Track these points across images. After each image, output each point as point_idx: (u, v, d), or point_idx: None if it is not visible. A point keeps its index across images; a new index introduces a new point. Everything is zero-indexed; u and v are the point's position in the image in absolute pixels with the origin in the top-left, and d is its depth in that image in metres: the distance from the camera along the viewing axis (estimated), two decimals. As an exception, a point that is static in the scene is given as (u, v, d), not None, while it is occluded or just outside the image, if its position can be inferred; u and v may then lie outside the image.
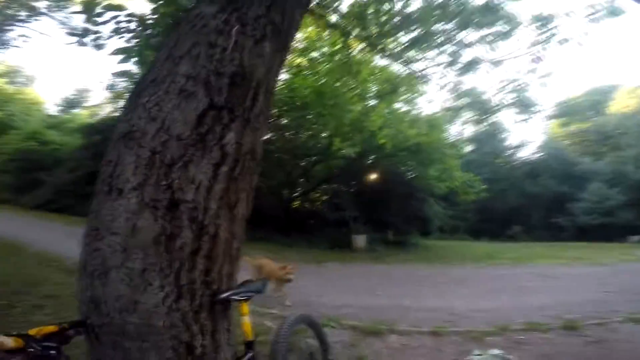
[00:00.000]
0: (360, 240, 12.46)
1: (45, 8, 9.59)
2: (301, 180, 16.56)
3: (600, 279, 7.58)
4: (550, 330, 3.80)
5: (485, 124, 3.52)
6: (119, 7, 2.64)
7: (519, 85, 3.43)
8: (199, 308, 1.52)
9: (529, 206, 27.06)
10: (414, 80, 3.82)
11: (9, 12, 10.12)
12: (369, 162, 14.06)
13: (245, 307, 1.72)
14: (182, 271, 1.46)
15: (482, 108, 3.35)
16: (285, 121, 14.37)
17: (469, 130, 26.93)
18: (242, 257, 4.72)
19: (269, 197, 16.17)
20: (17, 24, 11.34)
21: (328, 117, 4.36)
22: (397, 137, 4.43)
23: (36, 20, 10.71)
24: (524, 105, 3.50)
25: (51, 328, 1.24)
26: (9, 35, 11.40)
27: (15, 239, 7.75)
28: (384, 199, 13.89)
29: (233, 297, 1.61)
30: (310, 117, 10.29)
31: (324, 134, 9.82)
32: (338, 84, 3.84)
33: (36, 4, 9.09)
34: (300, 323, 2.34)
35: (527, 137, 50.35)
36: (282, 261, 8.78)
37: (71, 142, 18.77)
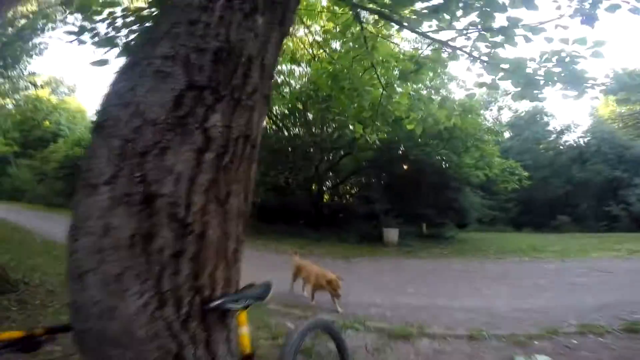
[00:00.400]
0: (391, 234, 12.05)
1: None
2: (330, 174, 16.41)
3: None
4: (608, 333, 3.30)
5: (528, 99, 3.04)
6: (114, 3, 2.54)
7: (566, 55, 2.92)
8: (187, 316, 1.33)
9: (577, 194, 25.04)
10: (441, 56, 3.42)
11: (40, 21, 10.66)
12: (399, 152, 13.56)
13: (243, 316, 1.51)
14: (164, 276, 1.28)
15: (523, 81, 2.87)
16: (311, 116, 14.27)
17: (507, 115, 25.47)
18: (292, 254, 4.49)
19: (298, 192, 16.22)
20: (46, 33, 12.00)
21: (345, 102, 4.06)
22: (426, 121, 4.05)
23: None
24: (573, 80, 2.97)
25: (15, 334, 1.16)
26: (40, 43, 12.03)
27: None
28: (416, 190, 13.39)
29: (227, 305, 1.41)
30: (334, 108, 10.01)
31: (350, 126, 9.47)
32: (353, 63, 3.52)
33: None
34: (314, 329, 2.13)
35: (573, 120, 46.88)
36: (310, 257, 8.75)
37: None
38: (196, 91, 1.36)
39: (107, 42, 2.59)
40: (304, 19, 6.10)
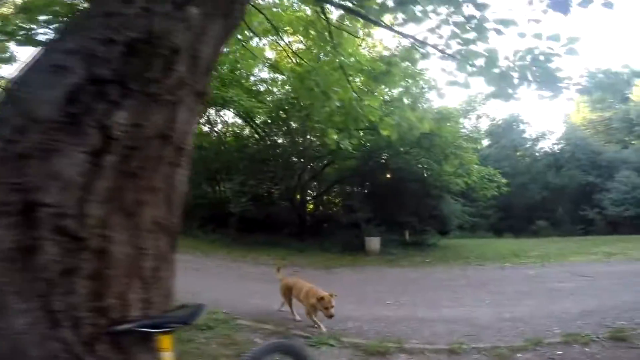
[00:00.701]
0: (373, 242, 11.85)
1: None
2: (313, 183, 16.21)
3: (641, 276, 6.77)
4: (593, 342, 3.15)
5: (502, 99, 2.95)
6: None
7: (540, 53, 2.82)
8: (91, 338, 1.10)
9: (554, 199, 25.76)
10: (412, 54, 3.28)
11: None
12: (381, 161, 13.50)
13: (166, 342, 1.26)
14: (53, 294, 1.05)
15: (496, 78, 2.75)
16: (294, 124, 14.09)
17: (486, 123, 26.10)
18: (275, 272, 4.05)
19: (281, 202, 15.91)
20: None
21: (315, 105, 3.85)
22: (400, 126, 3.89)
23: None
24: (548, 79, 2.87)
25: None
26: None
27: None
28: (398, 198, 13.32)
29: (140, 328, 1.17)
30: (314, 116, 9.87)
31: (333, 135, 9.34)
32: (321, 63, 3.34)
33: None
34: (272, 353, 1.87)
35: (548, 128, 48.75)
36: (291, 268, 8.46)
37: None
38: (97, 86, 1.13)
39: (27, 40, 2.33)
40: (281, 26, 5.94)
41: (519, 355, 2.98)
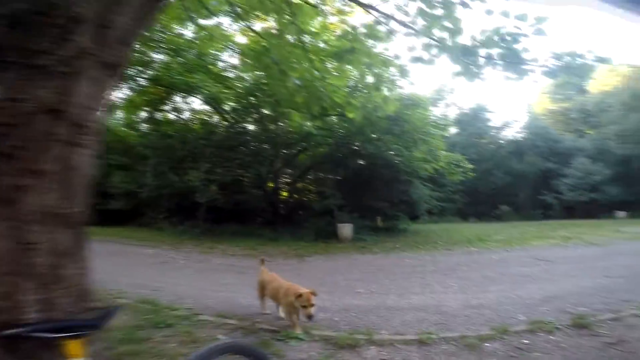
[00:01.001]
0: (346, 229, 11.86)
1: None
2: (286, 170, 15.89)
3: (597, 261, 7.17)
4: (557, 330, 3.22)
5: (467, 78, 2.89)
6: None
7: (507, 33, 2.75)
8: None
9: (515, 185, 27.18)
10: (376, 31, 3.10)
11: None
12: (352, 147, 13.42)
13: (75, 348, 1.06)
14: None
15: (461, 55, 2.66)
16: (266, 111, 13.62)
17: (454, 112, 26.82)
18: (259, 264, 3.66)
19: (254, 190, 15.48)
20: None
21: (274, 85, 3.60)
22: (365, 108, 3.75)
23: None
24: (514, 59, 2.82)
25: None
26: None
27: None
28: (370, 184, 13.39)
29: (33, 333, 1.01)
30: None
31: (296, 117, 8.87)
32: (279, 40, 3.07)
33: None
34: (219, 355, 1.68)
35: (511, 117, 51.33)
36: (262, 256, 8.24)
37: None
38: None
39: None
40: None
41: (486, 344, 2.99)
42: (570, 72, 3.18)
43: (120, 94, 11.84)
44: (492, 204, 26.61)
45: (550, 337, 3.08)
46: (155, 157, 13.72)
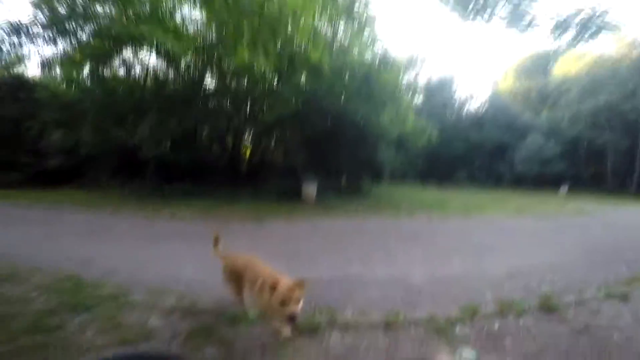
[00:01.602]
0: (310, 189, 11.57)
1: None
2: (248, 128, 14.88)
3: (552, 235, 7.46)
4: (526, 313, 3.08)
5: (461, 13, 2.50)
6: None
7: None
8: None
9: (473, 154, 28.53)
10: None
11: None
12: (319, 106, 12.70)
13: None
14: None
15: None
16: (226, 65, 12.23)
17: (422, 80, 26.89)
18: (213, 244, 2.82)
19: (213, 147, 14.41)
20: None
21: (223, 13, 2.88)
22: (331, 51, 3.19)
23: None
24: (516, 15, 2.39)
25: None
26: None
27: None
28: (336, 145, 13.08)
29: None
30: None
31: (244, 52, 7.60)
32: None
33: None
34: None
35: (475, 91, 53.35)
36: (213, 221, 7.60)
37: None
38: None
39: None
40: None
41: (457, 329, 2.77)
42: (579, 29, 2.80)
43: (57, 49, 10.01)
44: (450, 170, 27.86)
45: (520, 321, 2.93)
46: (97, 111, 12.11)
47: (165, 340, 2.50)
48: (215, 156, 14.07)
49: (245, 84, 12.36)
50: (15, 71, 14.00)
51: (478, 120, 29.61)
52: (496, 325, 2.83)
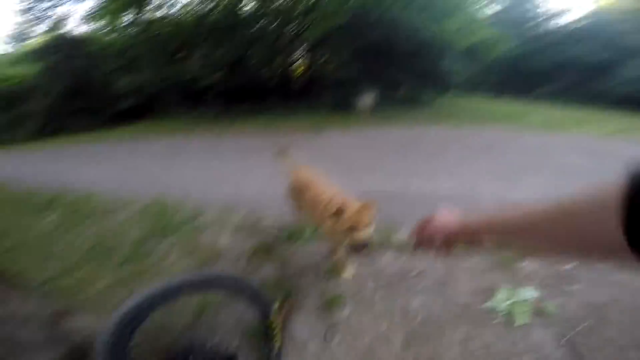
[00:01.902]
0: (366, 99, 11.06)
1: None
2: (297, 45, 14.20)
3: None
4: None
5: None
6: None
7: None
8: None
9: (564, 69, 24.28)
10: None
11: None
12: (370, 17, 11.29)
13: None
14: None
15: None
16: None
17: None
18: (279, 153, 2.93)
19: (262, 67, 14.22)
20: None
21: None
22: None
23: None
24: None
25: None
26: None
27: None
28: (391, 55, 12.07)
29: None
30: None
31: None
32: None
33: None
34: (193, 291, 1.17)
35: (569, 2, 43.16)
36: (270, 135, 7.72)
37: (32, 71, 16.26)
38: None
39: None
40: None
41: (523, 264, 2.42)
42: None
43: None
44: (531, 85, 24.47)
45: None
46: (149, 53, 13.11)
47: (232, 260, 2.60)
48: (267, 76, 14.11)
49: (286, 1, 11.77)
50: (67, 30, 15.45)
51: (572, 35, 24.59)
52: (570, 268, 2.39)
